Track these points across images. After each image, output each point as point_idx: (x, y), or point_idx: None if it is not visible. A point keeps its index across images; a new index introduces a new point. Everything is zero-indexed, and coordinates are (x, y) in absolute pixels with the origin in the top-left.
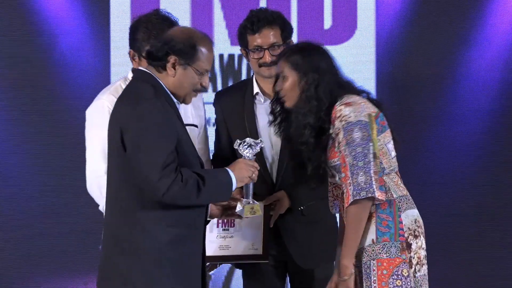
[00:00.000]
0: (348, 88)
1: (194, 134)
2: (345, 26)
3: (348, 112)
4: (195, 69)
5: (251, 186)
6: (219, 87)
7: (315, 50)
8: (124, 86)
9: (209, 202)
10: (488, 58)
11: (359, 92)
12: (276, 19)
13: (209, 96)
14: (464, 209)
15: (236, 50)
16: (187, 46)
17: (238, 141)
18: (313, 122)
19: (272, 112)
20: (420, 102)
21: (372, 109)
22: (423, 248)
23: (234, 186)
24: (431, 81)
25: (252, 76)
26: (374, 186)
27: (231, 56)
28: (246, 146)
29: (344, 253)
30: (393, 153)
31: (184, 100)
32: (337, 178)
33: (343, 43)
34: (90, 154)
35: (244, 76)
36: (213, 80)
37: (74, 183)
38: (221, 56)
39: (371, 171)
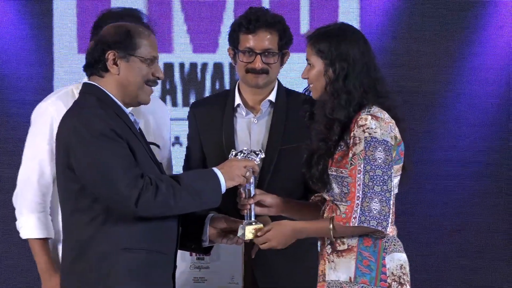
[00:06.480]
0: (378, 89)
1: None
2: None
3: (374, 126)
4: (139, 57)
5: (252, 207)
6: (179, 102)
7: (347, 35)
8: (76, 92)
9: (193, 208)
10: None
11: (387, 97)
12: (276, 24)
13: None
14: None
15: (200, 58)
16: (121, 36)
17: (234, 151)
18: (343, 118)
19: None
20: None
21: (398, 134)
22: None
23: (223, 185)
24: (418, 93)
25: (236, 85)
26: (389, 220)
27: (193, 66)
28: (243, 157)
29: (307, 228)
30: (396, 190)
31: (139, 99)
32: (334, 191)
33: None
34: (25, 162)
35: (208, 89)
36: (172, 93)
37: None
38: (181, 65)
39: (390, 202)
